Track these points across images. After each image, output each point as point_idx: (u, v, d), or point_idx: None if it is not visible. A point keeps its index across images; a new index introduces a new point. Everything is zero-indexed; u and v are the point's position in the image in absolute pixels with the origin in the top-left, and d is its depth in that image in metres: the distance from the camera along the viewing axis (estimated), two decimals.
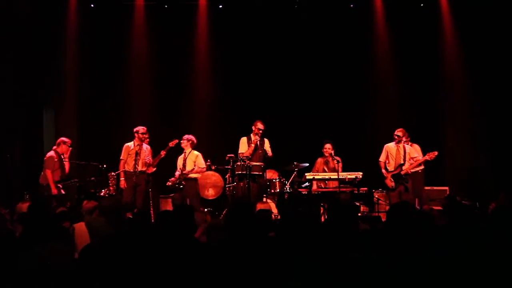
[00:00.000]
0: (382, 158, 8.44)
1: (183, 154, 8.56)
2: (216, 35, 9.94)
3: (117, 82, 9.77)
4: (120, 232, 4.12)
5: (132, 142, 8.32)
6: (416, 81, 9.72)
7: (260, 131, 8.08)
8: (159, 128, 9.07)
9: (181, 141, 8.40)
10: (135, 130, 8.29)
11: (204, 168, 8.47)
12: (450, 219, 3.89)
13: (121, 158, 8.28)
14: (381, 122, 9.60)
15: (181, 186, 8.28)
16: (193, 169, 8.44)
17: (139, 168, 8.18)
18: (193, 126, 9.39)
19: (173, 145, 8.40)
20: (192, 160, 8.40)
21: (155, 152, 8.42)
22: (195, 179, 8.43)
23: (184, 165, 8.40)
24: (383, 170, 8.36)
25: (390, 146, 8.39)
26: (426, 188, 8.83)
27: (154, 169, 8.38)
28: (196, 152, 8.46)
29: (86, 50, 9.57)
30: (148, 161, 8.22)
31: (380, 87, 9.94)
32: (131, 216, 5.33)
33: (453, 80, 9.83)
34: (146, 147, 8.37)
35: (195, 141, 8.49)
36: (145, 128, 8.29)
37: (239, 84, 9.87)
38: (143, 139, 8.27)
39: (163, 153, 8.34)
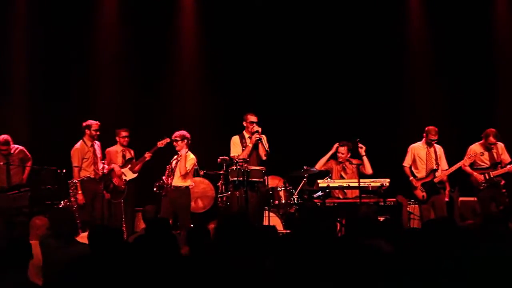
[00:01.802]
0: (407, 162, 8.33)
1: (175, 156, 8.33)
2: (205, 14, 10.06)
3: (81, 74, 9.78)
4: (79, 257, 4.04)
5: (81, 142, 8.32)
6: (459, 73, 9.70)
7: (254, 125, 7.94)
8: (135, 127, 9.03)
9: (173, 141, 8.15)
10: (85, 124, 8.29)
11: (187, 169, 8.20)
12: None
13: (74, 165, 8.23)
14: (415, 119, 9.60)
15: (164, 194, 8.08)
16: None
17: (100, 171, 8.24)
18: (176, 123, 9.33)
19: (163, 145, 8.37)
20: (184, 165, 8.12)
21: (138, 155, 8.51)
22: (187, 187, 8.19)
23: (173, 171, 8.13)
24: (411, 178, 8.26)
25: (418, 147, 8.30)
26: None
27: (136, 175, 8.41)
28: (192, 155, 8.20)
29: (40, 37, 9.59)
30: (106, 170, 8.23)
31: (412, 79, 9.98)
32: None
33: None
34: (98, 145, 8.42)
35: (189, 137, 8.23)
36: (99, 123, 8.31)
37: (234, 73, 9.96)
38: (95, 137, 8.31)
39: (147, 155, 8.34)
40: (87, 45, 9.80)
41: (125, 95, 9.86)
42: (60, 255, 4.64)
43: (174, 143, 8.12)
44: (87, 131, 8.30)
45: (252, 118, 8.05)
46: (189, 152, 8.15)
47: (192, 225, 7.86)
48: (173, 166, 8.11)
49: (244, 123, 8.12)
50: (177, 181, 8.04)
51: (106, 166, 8.29)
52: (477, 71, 9.70)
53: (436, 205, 8.10)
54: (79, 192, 8.10)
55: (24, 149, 8.35)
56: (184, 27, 10.20)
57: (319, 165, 8.49)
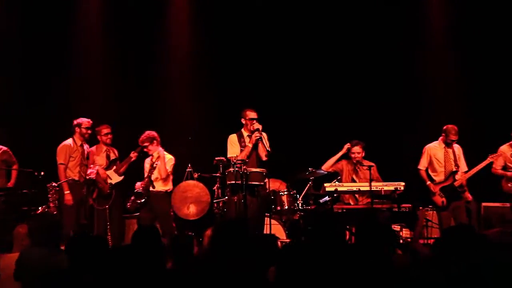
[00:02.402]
0: (422, 164, 8.27)
1: (150, 157, 8.49)
2: (198, 4, 10.23)
3: (60, 67, 9.81)
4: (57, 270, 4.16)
5: (71, 139, 8.34)
6: (478, 68, 9.74)
7: (254, 122, 7.93)
8: (120, 124, 9.08)
9: (143, 147, 8.26)
10: (76, 122, 8.32)
11: (168, 171, 8.33)
12: None
13: (60, 162, 8.21)
14: (431, 117, 9.61)
15: (143, 200, 8.21)
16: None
17: (85, 175, 8.29)
18: (166, 120, 9.60)
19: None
20: (164, 167, 8.28)
21: (122, 155, 8.57)
22: (167, 192, 8.30)
23: (149, 176, 8.28)
24: (428, 182, 8.17)
25: (434, 147, 8.23)
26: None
27: (121, 178, 8.42)
28: (170, 156, 8.37)
29: (19, 30, 9.73)
30: (94, 176, 8.25)
31: (427, 77, 10.02)
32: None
33: None
34: (87, 148, 8.47)
35: (158, 136, 8.37)
36: (91, 121, 8.34)
37: (232, 67, 10.04)
38: (86, 136, 8.32)
39: (133, 155, 8.38)
40: (69, 40, 9.88)
41: (108, 89, 9.91)
42: (44, 267, 4.63)
43: (145, 149, 8.26)
44: (77, 130, 8.28)
45: (252, 114, 8.00)
46: (166, 153, 8.28)
47: (176, 233, 7.95)
48: (148, 170, 8.26)
49: (243, 120, 8.06)
50: (156, 186, 8.17)
51: (95, 171, 8.30)
52: (497, 67, 9.72)
53: (457, 211, 7.99)
54: (66, 192, 8.06)
55: (8, 150, 8.33)
56: (175, 19, 10.31)
57: (327, 166, 8.44)
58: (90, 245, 4.31)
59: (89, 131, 8.33)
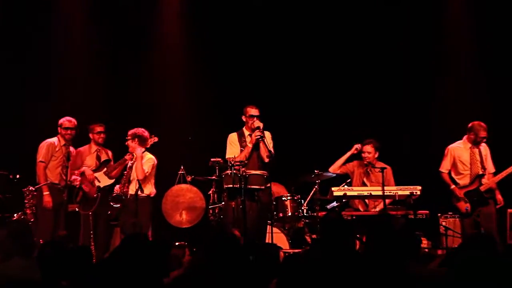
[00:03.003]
0: (445, 167, 8.16)
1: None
2: None
3: (43, 65, 9.77)
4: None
5: (56, 138, 8.32)
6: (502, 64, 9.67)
7: (255, 120, 7.90)
8: (114, 124, 9.01)
9: (127, 136, 8.31)
10: (59, 122, 8.29)
11: (145, 172, 8.26)
12: None
13: (40, 160, 8.17)
14: (448, 117, 9.57)
15: (119, 205, 8.18)
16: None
17: (66, 178, 8.26)
18: (162, 119, 9.64)
19: (148, 146, 8.42)
20: (141, 168, 8.24)
21: (116, 157, 8.60)
22: (148, 197, 8.26)
23: (129, 178, 8.27)
24: (452, 187, 8.06)
25: (459, 148, 8.13)
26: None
27: (112, 181, 8.46)
28: (150, 155, 8.35)
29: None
30: (87, 176, 8.28)
31: (449, 65, 10.00)
32: None
33: None
34: (73, 151, 8.43)
35: (145, 136, 8.33)
36: (74, 122, 8.29)
37: (231, 61, 10.06)
38: (66, 137, 8.25)
39: (128, 157, 8.35)
40: (53, 31, 9.88)
41: (99, 87, 9.91)
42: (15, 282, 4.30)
43: (126, 143, 8.28)
44: (59, 130, 8.26)
45: (253, 111, 7.97)
46: (146, 152, 8.29)
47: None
48: (127, 171, 8.30)
49: (243, 118, 8.06)
50: (134, 189, 8.13)
51: (79, 178, 8.24)
52: None
53: (483, 218, 7.87)
54: (46, 193, 7.96)
55: None
56: (168, 9, 10.31)
57: (335, 168, 8.41)
58: (65, 255, 4.25)
59: (69, 132, 8.21)
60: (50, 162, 8.12)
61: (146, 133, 8.30)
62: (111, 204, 8.15)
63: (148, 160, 8.21)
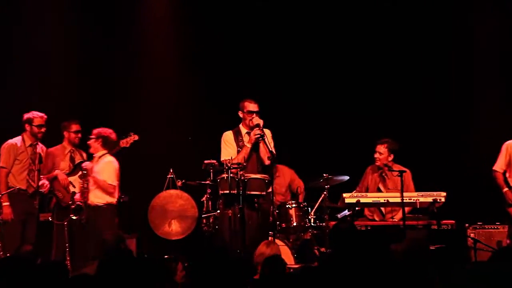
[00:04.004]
0: (499, 165, 8.15)
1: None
2: None
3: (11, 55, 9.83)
4: None
5: (20, 138, 8.25)
6: None
7: (254, 116, 7.83)
8: (89, 121, 8.89)
9: (91, 134, 8.36)
10: (26, 117, 8.22)
11: (110, 185, 8.21)
12: None
13: (1, 166, 8.16)
14: (482, 111, 9.58)
15: (75, 217, 8.06)
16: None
17: (35, 184, 8.21)
18: (145, 117, 9.66)
19: (128, 145, 8.51)
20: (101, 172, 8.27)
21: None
22: (110, 205, 8.15)
23: (86, 181, 8.24)
24: (505, 190, 8.07)
25: None
26: None
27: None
28: (110, 158, 8.28)
29: None
30: (61, 181, 8.24)
31: (476, 67, 9.98)
32: None
33: None
34: (41, 149, 8.39)
35: (112, 138, 8.31)
36: (45, 117, 8.21)
37: (225, 52, 10.13)
38: (38, 135, 8.18)
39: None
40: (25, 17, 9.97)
41: (74, 81, 9.92)
42: None
43: (88, 142, 8.31)
44: (27, 127, 8.17)
45: (251, 106, 7.88)
46: (108, 155, 8.26)
47: None
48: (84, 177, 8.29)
49: (240, 114, 7.96)
50: (93, 197, 8.11)
51: (46, 183, 8.21)
52: None
53: None
54: (5, 203, 7.94)
55: None
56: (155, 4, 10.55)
57: None
58: (31, 273, 4.32)
59: (43, 129, 8.18)
60: (14, 167, 8.08)
61: (114, 135, 8.28)
62: (71, 217, 8.04)
63: (108, 163, 8.14)
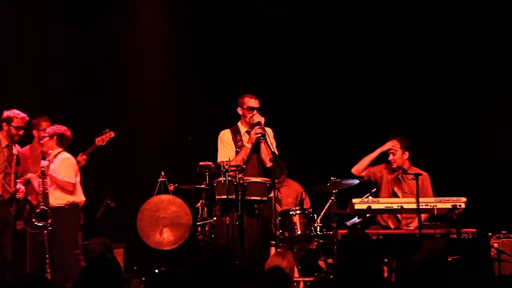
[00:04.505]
0: None
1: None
2: None
3: None
4: None
5: None
6: None
7: (255, 113, 7.76)
8: (61, 118, 8.79)
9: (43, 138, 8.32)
10: (5, 115, 8.18)
11: (69, 183, 8.16)
12: None
13: None
14: (507, 110, 9.55)
15: (40, 223, 7.92)
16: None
17: (12, 188, 8.15)
18: (129, 114, 9.71)
19: (104, 143, 8.60)
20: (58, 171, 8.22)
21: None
22: (72, 205, 8.08)
23: (44, 183, 8.16)
24: None
25: None
26: None
27: None
28: (65, 154, 8.23)
29: None
30: (21, 195, 8.19)
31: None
32: None
33: None
34: (18, 151, 8.34)
35: (67, 135, 8.25)
36: (26, 118, 8.19)
37: (223, 43, 10.21)
38: (15, 138, 8.14)
39: (81, 158, 8.46)
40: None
41: (47, 75, 9.93)
42: None
43: (42, 141, 8.25)
44: (5, 126, 8.11)
45: (252, 102, 7.82)
46: (64, 153, 8.19)
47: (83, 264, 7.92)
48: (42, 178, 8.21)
49: (240, 110, 7.91)
50: (53, 200, 8.02)
51: (23, 188, 8.18)
52: None
53: None
54: None
55: None
56: None
57: (359, 169, 8.23)
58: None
59: (21, 132, 8.13)
60: None
61: (69, 133, 8.21)
62: (35, 222, 7.91)
63: (65, 160, 8.06)
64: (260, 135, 7.57)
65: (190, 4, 10.36)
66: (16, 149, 8.28)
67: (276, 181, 8.53)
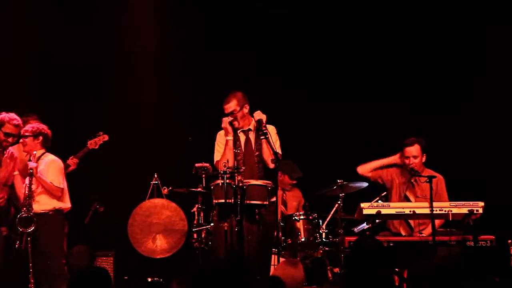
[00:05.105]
0: None
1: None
2: None
3: None
4: None
5: None
6: None
7: (255, 111, 7.76)
8: (51, 119, 8.77)
9: (22, 138, 8.17)
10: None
11: (58, 188, 8.07)
12: None
13: None
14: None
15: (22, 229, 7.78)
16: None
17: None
18: (121, 114, 9.75)
19: (97, 146, 8.64)
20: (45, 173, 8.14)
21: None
22: (57, 212, 7.99)
23: (30, 189, 8.07)
24: None
25: None
26: None
27: None
28: (52, 156, 8.14)
29: None
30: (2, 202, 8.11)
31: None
32: None
33: None
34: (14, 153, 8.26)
35: (50, 136, 8.20)
36: (21, 125, 8.09)
37: (219, 35, 10.32)
38: (3, 143, 8.04)
39: (72, 162, 8.48)
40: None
41: (35, 74, 9.94)
42: None
43: (23, 140, 8.13)
44: None
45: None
46: (50, 154, 8.13)
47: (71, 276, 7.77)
48: (27, 181, 8.13)
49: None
50: (37, 205, 7.96)
51: (5, 196, 8.11)
52: None
53: None
54: None
55: None
56: None
57: (364, 169, 8.19)
58: None
59: (10, 140, 8.03)
60: None
61: (49, 132, 8.15)
62: (20, 229, 7.81)
63: (52, 162, 7.98)
64: (263, 134, 7.56)
65: (189, 4, 10.47)
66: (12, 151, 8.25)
67: (290, 182, 8.95)
